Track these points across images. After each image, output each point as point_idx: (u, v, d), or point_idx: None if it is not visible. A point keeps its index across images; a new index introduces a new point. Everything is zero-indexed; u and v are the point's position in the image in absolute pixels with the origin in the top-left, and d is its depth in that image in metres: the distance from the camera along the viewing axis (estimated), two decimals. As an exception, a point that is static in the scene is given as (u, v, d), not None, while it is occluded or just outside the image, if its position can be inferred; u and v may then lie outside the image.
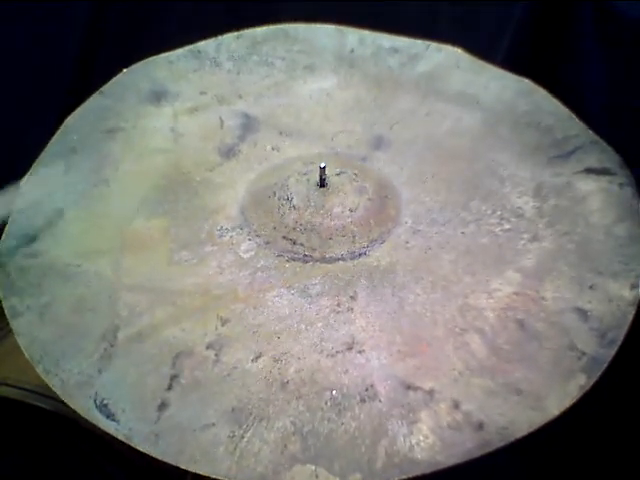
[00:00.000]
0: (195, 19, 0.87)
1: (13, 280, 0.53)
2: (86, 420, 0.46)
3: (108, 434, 0.46)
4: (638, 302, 0.51)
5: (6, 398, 0.61)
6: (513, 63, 0.67)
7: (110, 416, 0.46)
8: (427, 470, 0.44)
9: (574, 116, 0.64)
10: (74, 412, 0.47)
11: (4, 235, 0.56)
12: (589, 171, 0.60)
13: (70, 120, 0.65)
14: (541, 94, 0.67)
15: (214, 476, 0.44)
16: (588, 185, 0.59)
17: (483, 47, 0.69)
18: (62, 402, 0.48)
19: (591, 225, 0.56)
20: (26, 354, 0.49)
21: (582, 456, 0.75)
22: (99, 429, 0.46)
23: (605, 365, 0.48)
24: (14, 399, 0.61)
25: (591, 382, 0.48)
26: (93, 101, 0.67)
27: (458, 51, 0.71)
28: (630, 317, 0.51)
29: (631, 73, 0.67)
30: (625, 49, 0.68)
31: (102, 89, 0.68)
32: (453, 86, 0.68)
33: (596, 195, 0.58)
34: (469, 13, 0.79)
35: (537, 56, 0.78)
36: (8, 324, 0.51)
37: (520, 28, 0.79)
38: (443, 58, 0.71)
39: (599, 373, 0.48)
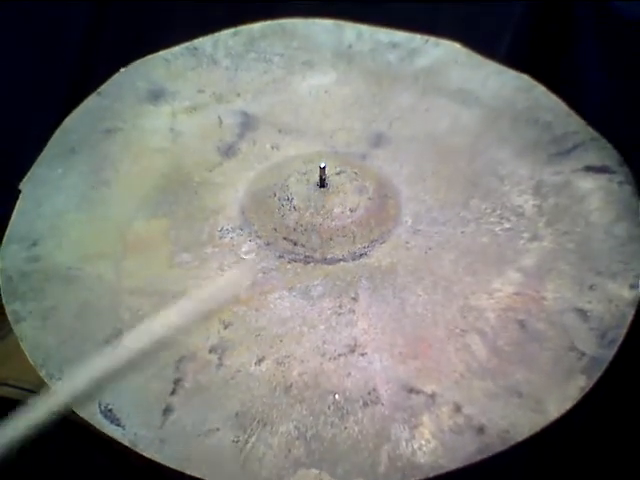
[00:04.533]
0: (194, 16, 0.86)
1: (15, 285, 0.53)
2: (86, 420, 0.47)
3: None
4: (637, 302, 0.52)
5: (6, 398, 0.61)
6: (513, 62, 0.67)
7: (115, 421, 0.46)
8: (429, 474, 0.44)
9: (573, 113, 0.64)
10: (73, 412, 0.47)
11: (5, 239, 0.56)
12: (588, 169, 0.60)
13: (68, 121, 0.65)
14: (540, 90, 0.66)
15: (219, 481, 0.45)
16: (588, 183, 0.59)
17: (483, 46, 0.68)
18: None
19: (591, 224, 0.57)
20: (30, 359, 0.49)
21: (581, 458, 0.76)
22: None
23: (605, 365, 0.49)
24: (14, 399, 0.61)
25: (591, 383, 0.48)
26: (91, 101, 0.66)
27: (457, 46, 0.70)
28: (629, 317, 0.51)
29: (631, 73, 0.67)
30: (625, 49, 0.68)
31: (99, 89, 0.67)
32: (452, 82, 0.68)
33: (595, 194, 0.58)
34: (469, 12, 0.79)
35: (537, 55, 0.78)
36: (8, 324, 0.51)
37: (520, 27, 0.79)
38: (442, 53, 0.70)
39: (599, 374, 0.48)
